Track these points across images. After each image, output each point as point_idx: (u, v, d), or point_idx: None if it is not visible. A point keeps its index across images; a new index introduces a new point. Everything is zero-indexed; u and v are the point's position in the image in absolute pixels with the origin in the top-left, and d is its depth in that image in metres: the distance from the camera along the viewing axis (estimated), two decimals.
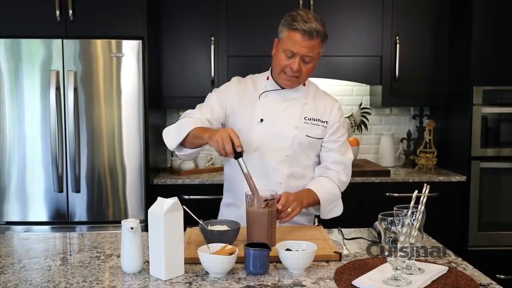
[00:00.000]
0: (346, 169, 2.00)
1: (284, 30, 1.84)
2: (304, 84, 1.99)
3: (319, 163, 2.02)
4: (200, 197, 3.01)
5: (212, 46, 3.23)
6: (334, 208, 1.99)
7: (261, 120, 1.91)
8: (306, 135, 1.93)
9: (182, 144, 1.86)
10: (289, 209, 1.72)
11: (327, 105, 1.99)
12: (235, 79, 2.04)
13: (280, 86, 1.95)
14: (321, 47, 1.87)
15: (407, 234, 1.29)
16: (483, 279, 1.40)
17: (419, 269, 1.40)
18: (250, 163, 1.88)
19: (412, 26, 3.30)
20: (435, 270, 1.40)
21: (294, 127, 1.91)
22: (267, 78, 1.98)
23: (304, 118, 1.94)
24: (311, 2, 3.21)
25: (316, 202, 1.90)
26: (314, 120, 1.95)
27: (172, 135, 1.88)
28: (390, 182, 3.10)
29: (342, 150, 2.00)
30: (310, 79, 2.03)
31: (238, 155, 1.67)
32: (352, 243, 1.75)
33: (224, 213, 2.03)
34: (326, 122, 1.97)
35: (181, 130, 1.84)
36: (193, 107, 2.01)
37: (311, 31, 1.79)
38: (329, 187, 1.94)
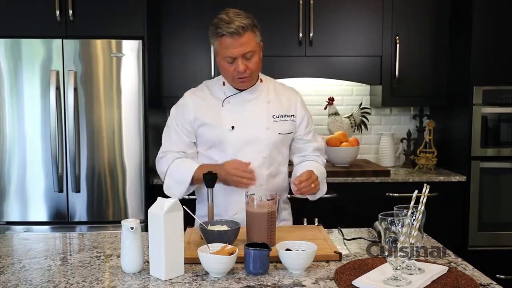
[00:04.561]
0: (322, 152, 2.11)
1: (214, 41, 1.86)
2: (261, 80, 1.99)
3: (288, 155, 2.06)
4: None
5: (212, 46, 3.22)
6: (322, 187, 2.01)
7: (232, 127, 1.91)
8: (278, 133, 1.95)
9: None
10: (312, 185, 1.78)
11: (291, 99, 2.01)
12: (187, 94, 2.02)
13: (238, 89, 1.95)
14: (256, 37, 1.85)
15: (407, 234, 1.29)
16: (483, 279, 1.40)
17: (419, 269, 1.39)
18: None
19: (412, 26, 3.30)
20: (435, 270, 1.40)
21: (265, 128, 1.93)
22: (223, 84, 1.97)
23: (272, 116, 1.95)
24: (311, 2, 3.21)
25: None
26: (282, 117, 1.96)
27: (174, 190, 1.92)
28: (390, 182, 3.10)
29: (315, 137, 2.08)
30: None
31: (212, 184, 1.73)
32: (352, 243, 1.75)
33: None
34: (293, 115, 1.99)
35: (180, 182, 1.89)
36: None
37: (237, 29, 1.78)
38: (320, 169, 2.00)
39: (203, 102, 1.96)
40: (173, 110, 2.02)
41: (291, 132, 2.00)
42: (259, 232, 1.61)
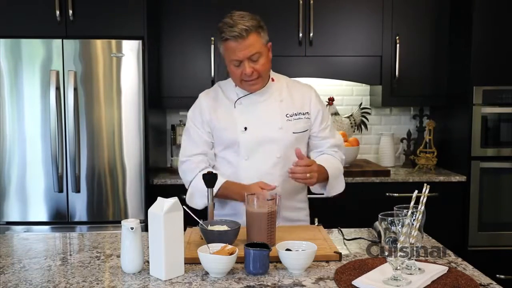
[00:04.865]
0: (341, 149, 2.07)
1: (219, 45, 1.85)
2: (273, 80, 1.97)
3: (306, 153, 2.03)
4: None
5: (212, 46, 3.23)
6: (337, 184, 1.99)
7: (245, 128, 1.90)
8: (293, 132, 1.92)
9: None
10: (308, 175, 1.75)
11: (304, 96, 1.98)
12: (201, 95, 2.01)
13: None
14: (261, 38, 1.82)
15: (407, 234, 1.29)
16: (483, 279, 1.40)
17: (419, 269, 1.39)
18: (243, 173, 1.89)
19: (412, 26, 3.30)
20: (435, 270, 1.40)
21: (279, 128, 1.91)
22: (236, 85, 1.95)
23: (286, 115, 1.92)
24: (311, 2, 3.21)
25: (325, 179, 1.91)
26: (296, 115, 1.93)
27: (197, 201, 1.91)
28: (390, 182, 3.10)
29: (332, 133, 2.04)
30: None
31: (212, 184, 1.71)
32: (352, 243, 1.75)
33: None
34: (308, 113, 1.96)
35: (204, 195, 1.85)
36: None
37: (240, 33, 1.76)
38: (336, 164, 1.98)
39: (216, 104, 1.96)
40: (190, 112, 2.01)
41: (307, 130, 1.97)
42: (259, 232, 1.61)
